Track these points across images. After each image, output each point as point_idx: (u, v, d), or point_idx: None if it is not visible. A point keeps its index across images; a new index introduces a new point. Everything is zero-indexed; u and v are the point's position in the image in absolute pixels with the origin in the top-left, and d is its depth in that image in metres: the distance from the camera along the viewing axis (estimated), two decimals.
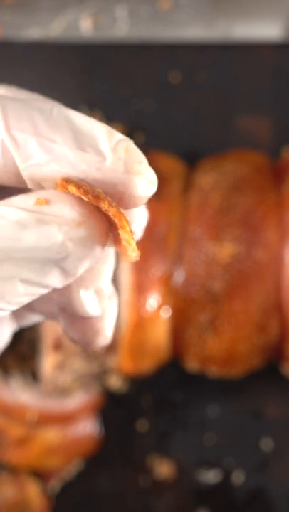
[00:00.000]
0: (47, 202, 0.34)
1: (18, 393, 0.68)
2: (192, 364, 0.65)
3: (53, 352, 0.65)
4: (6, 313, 0.35)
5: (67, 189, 0.34)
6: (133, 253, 0.35)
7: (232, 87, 0.71)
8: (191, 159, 0.69)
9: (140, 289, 0.61)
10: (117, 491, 0.71)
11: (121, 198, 0.34)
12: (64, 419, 0.69)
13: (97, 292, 0.38)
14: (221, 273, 0.61)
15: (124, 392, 0.71)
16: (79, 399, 0.69)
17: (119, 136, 0.34)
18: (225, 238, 0.61)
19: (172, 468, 0.71)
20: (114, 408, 0.71)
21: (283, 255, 0.61)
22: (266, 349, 0.63)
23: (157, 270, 0.62)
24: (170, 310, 0.62)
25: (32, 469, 0.70)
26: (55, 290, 0.36)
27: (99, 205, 0.34)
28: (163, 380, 0.71)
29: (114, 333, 0.62)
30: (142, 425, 0.71)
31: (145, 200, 0.35)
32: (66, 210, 0.34)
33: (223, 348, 0.63)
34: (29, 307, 0.40)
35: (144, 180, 0.34)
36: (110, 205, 0.34)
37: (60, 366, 0.65)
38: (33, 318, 0.42)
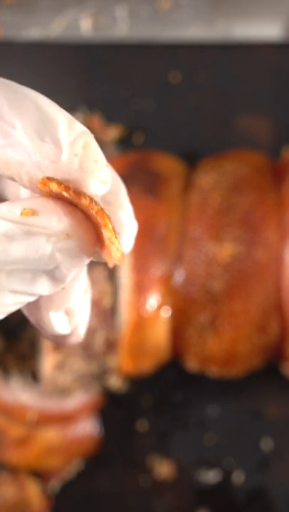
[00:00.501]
0: (34, 213, 0.33)
1: (18, 393, 0.68)
2: (192, 364, 0.65)
3: (52, 352, 0.65)
4: None
5: (48, 186, 0.33)
6: (117, 253, 0.34)
7: (232, 87, 0.71)
8: (191, 159, 0.69)
9: (140, 289, 0.61)
10: (117, 491, 0.71)
11: None
12: (64, 419, 0.69)
13: (68, 312, 0.38)
14: (221, 273, 0.61)
15: (124, 392, 0.71)
16: (79, 399, 0.69)
17: (80, 128, 0.33)
18: (225, 238, 0.61)
19: (172, 468, 0.71)
20: (114, 408, 0.71)
21: (283, 255, 0.61)
22: (266, 349, 0.63)
23: (157, 270, 0.62)
24: (170, 310, 0.62)
25: (32, 469, 0.70)
26: (25, 307, 0.36)
27: (80, 202, 0.33)
28: (163, 380, 0.71)
29: (114, 333, 0.62)
30: (142, 425, 0.71)
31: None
32: (54, 221, 0.33)
33: (223, 348, 0.63)
34: None
35: (96, 181, 0.33)
36: (92, 201, 0.33)
37: (60, 366, 0.65)
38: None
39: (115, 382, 0.68)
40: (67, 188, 0.33)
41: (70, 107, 0.70)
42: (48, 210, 0.33)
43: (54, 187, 0.33)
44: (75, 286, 0.38)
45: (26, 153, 0.33)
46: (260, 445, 0.71)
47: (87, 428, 0.70)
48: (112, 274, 0.63)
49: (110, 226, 0.34)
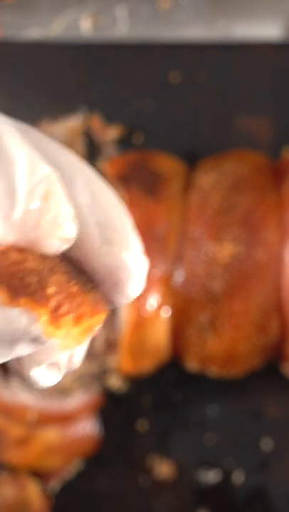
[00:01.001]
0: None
1: (18, 393, 0.68)
2: (192, 364, 0.65)
3: None
4: None
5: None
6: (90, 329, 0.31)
7: (232, 87, 0.71)
8: (191, 159, 0.69)
9: None
10: (117, 491, 0.71)
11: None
12: (64, 419, 0.69)
13: (53, 365, 0.34)
14: (221, 273, 0.61)
15: (124, 392, 0.71)
16: (79, 399, 0.69)
17: (43, 172, 0.27)
18: (225, 238, 0.61)
19: (172, 468, 0.71)
20: (114, 408, 0.71)
21: (283, 255, 0.61)
22: (266, 349, 0.63)
23: (157, 270, 0.62)
24: (170, 310, 0.62)
25: (32, 469, 0.70)
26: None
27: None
28: (163, 380, 0.71)
29: (114, 333, 0.62)
30: (142, 425, 0.71)
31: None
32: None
33: (223, 348, 0.63)
34: None
35: (56, 240, 0.28)
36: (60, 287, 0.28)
37: None
38: None
39: (115, 382, 0.68)
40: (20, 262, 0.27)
41: (70, 107, 0.70)
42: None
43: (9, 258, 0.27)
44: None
45: None
46: (260, 445, 0.71)
47: (87, 428, 0.70)
48: None
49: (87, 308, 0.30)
